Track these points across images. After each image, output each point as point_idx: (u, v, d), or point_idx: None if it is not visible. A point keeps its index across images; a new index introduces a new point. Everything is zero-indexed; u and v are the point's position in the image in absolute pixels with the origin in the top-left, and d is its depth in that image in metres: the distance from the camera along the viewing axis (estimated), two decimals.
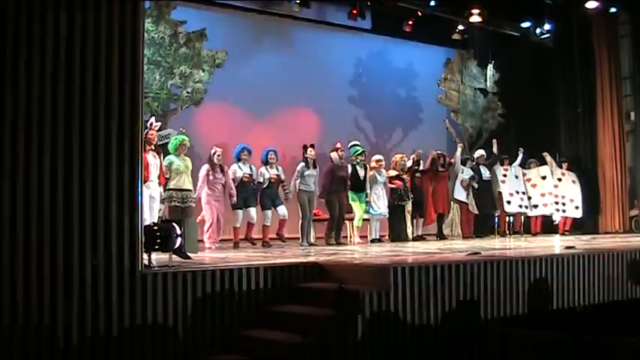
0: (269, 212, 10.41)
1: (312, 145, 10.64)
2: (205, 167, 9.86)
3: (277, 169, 10.52)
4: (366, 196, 11.11)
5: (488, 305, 6.78)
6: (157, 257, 6.44)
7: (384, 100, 14.31)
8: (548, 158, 13.50)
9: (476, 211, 12.71)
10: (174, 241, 6.35)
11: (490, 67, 14.95)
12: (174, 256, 6.46)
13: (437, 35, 14.50)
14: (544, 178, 13.46)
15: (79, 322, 5.42)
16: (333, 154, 10.75)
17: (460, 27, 14.34)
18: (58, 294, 5.37)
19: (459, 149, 12.63)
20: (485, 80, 15.03)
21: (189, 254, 6.79)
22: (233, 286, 6.15)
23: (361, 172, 11.05)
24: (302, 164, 10.50)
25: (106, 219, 5.63)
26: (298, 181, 10.48)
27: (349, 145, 11.18)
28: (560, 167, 13.61)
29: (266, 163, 10.45)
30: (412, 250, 9.24)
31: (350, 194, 10.96)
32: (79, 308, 5.43)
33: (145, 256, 6.08)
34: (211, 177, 9.78)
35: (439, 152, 12.36)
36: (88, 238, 5.54)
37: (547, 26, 14.43)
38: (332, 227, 10.68)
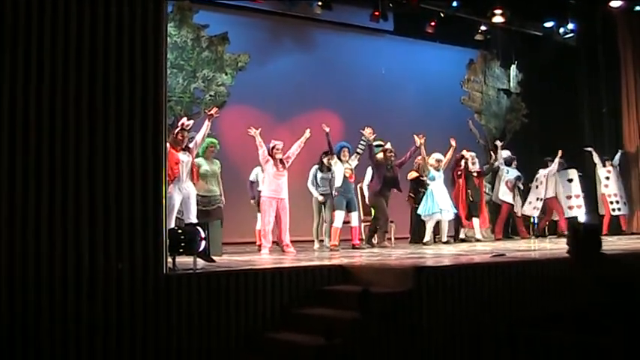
0: (342, 214, 10.11)
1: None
2: (270, 162, 9.59)
3: (350, 164, 10.33)
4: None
5: (514, 307, 6.71)
6: (181, 260, 6.45)
7: (407, 101, 14.25)
8: (595, 157, 13.37)
9: (519, 213, 12.61)
10: (198, 244, 6.36)
11: (513, 67, 14.83)
12: (198, 259, 6.46)
13: (459, 36, 14.41)
14: (570, 181, 13.29)
15: (104, 324, 5.45)
16: (380, 156, 10.67)
17: (482, 27, 14.24)
18: (83, 297, 5.39)
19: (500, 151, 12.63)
20: (509, 81, 14.91)
21: (214, 257, 6.79)
22: (257, 289, 6.14)
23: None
24: (315, 167, 10.34)
25: (130, 222, 5.64)
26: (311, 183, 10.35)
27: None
28: (604, 165, 13.42)
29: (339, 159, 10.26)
30: (436, 253, 9.18)
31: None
32: (103, 311, 5.45)
33: (170, 259, 6.09)
34: (273, 170, 9.53)
35: (469, 153, 12.35)
36: (113, 242, 5.56)
37: (570, 26, 14.27)
38: (375, 229, 10.61)
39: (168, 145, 8.38)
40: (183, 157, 8.51)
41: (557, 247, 10.00)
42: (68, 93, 5.50)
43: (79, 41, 5.56)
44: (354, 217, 10.20)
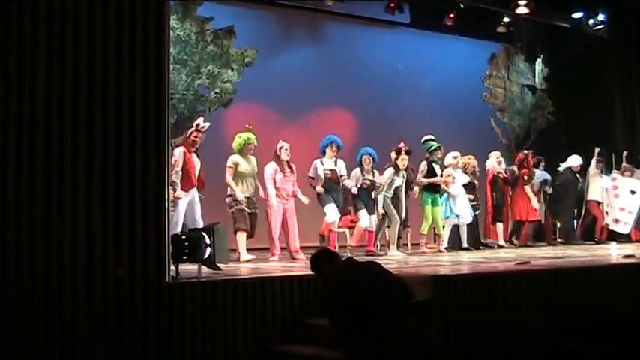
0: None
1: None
2: (272, 165, 9.45)
3: (373, 175, 10.14)
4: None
5: (540, 317, 6.69)
6: (185, 268, 6.45)
7: (424, 98, 14.21)
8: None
9: (542, 220, 12.55)
10: (203, 250, 6.36)
11: (538, 61, 14.82)
12: (203, 266, 6.46)
13: (480, 29, 14.37)
14: (633, 193, 12.87)
15: (102, 335, 5.45)
16: (393, 155, 10.62)
17: (505, 19, 14.18)
18: (80, 306, 5.40)
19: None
20: (534, 76, 14.90)
21: (220, 264, 6.78)
22: (266, 298, 6.12)
23: (437, 171, 10.85)
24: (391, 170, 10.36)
25: (130, 227, 5.64)
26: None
27: (422, 141, 11.08)
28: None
29: (360, 166, 10.15)
30: (456, 260, 9.16)
31: (423, 196, 10.83)
32: (101, 321, 5.45)
33: (172, 266, 6.09)
34: (279, 176, 9.42)
35: (526, 152, 12.40)
36: (112, 248, 5.56)
37: (601, 16, 14.18)
38: (400, 235, 10.63)
39: (183, 148, 8.43)
40: (197, 162, 8.56)
41: (586, 254, 9.97)
42: (65, 90, 5.51)
43: (76, 35, 5.57)
44: (372, 221, 10.18)
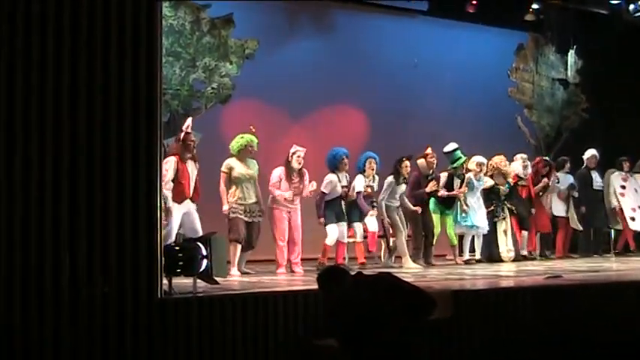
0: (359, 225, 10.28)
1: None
2: (279, 170, 9.57)
3: (374, 180, 10.32)
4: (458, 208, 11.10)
5: (569, 338, 6.68)
6: (180, 282, 6.47)
7: (444, 95, 14.21)
8: None
9: (579, 227, 12.55)
10: (198, 263, 6.38)
11: (571, 53, 14.77)
12: (198, 280, 6.49)
13: (506, 17, 14.37)
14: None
15: (88, 357, 5.46)
16: (420, 161, 10.72)
17: (534, 6, 14.20)
18: (63, 325, 5.42)
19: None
20: (566, 69, 14.85)
21: (217, 278, 6.81)
22: (269, 316, 6.13)
23: (457, 185, 10.99)
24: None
25: (118, 238, 5.66)
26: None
27: (448, 150, 11.12)
28: None
29: (362, 171, 10.27)
30: (480, 273, 9.17)
31: (437, 207, 10.95)
32: (87, 341, 5.47)
33: (165, 280, 6.11)
34: (285, 184, 9.52)
35: (545, 158, 12.46)
36: (98, 260, 5.58)
37: None
38: (418, 246, 10.72)
39: (175, 157, 8.45)
40: (191, 168, 8.56)
41: (625, 267, 9.95)
42: (46, 86, 5.53)
43: (59, 28, 5.60)
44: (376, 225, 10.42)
